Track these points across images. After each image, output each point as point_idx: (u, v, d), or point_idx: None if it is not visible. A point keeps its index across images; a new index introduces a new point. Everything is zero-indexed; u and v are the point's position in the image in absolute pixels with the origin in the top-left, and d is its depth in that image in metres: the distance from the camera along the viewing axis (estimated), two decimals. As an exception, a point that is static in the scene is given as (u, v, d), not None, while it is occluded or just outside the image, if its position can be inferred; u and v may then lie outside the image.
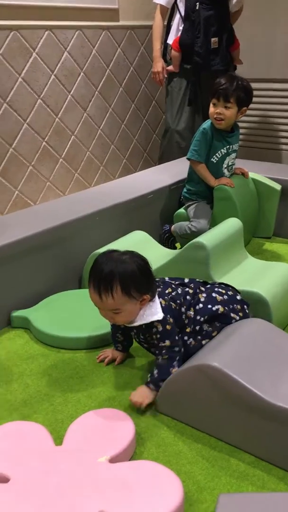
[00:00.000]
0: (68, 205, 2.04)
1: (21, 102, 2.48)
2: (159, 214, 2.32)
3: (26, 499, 1.03)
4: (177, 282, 1.47)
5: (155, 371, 1.33)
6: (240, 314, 1.44)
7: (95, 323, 1.61)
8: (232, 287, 1.51)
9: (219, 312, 1.40)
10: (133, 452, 1.20)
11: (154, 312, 1.32)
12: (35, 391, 1.42)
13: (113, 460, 1.13)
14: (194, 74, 2.65)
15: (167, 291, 1.40)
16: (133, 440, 1.19)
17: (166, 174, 2.45)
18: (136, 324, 1.33)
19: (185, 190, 2.22)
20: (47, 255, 1.83)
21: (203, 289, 1.47)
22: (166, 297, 1.37)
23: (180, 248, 2.02)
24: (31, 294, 1.80)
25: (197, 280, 1.51)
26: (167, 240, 2.25)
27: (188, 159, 2.13)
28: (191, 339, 1.39)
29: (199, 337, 1.39)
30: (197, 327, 1.39)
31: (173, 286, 1.44)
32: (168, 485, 1.06)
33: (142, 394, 1.32)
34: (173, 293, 1.40)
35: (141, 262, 1.31)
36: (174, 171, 2.48)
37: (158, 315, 1.32)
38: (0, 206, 2.53)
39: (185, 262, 1.74)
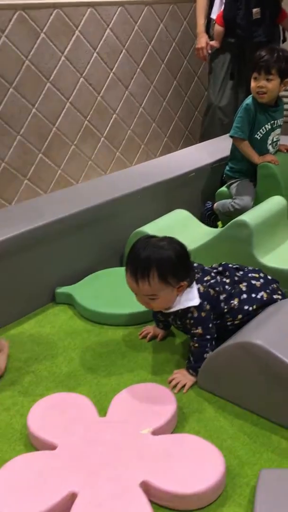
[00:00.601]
0: (110, 184, 2.06)
1: (63, 81, 2.49)
2: (200, 192, 2.30)
3: (72, 466, 1.07)
4: (215, 271, 1.46)
5: (191, 358, 1.36)
6: (279, 292, 1.45)
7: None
8: (259, 269, 1.53)
9: (264, 299, 1.41)
10: (175, 426, 1.22)
11: (191, 297, 1.32)
12: (79, 365, 1.46)
13: (155, 432, 1.15)
14: (237, 48, 2.59)
15: (205, 278, 1.40)
16: (175, 414, 1.21)
17: (208, 152, 2.42)
18: (172, 310, 1.33)
19: (227, 168, 2.19)
20: (90, 233, 1.85)
21: (240, 276, 1.46)
22: (204, 284, 1.37)
23: (222, 226, 2.01)
24: (75, 271, 1.84)
25: (230, 265, 1.50)
26: (208, 218, 2.24)
27: (231, 136, 2.10)
28: (233, 328, 1.39)
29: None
30: (246, 317, 1.39)
31: (212, 274, 1.43)
32: (210, 458, 1.08)
33: (185, 376, 1.35)
34: (212, 281, 1.40)
35: (179, 249, 1.30)
36: (216, 148, 2.45)
37: (195, 300, 1.32)
38: (43, 185, 2.58)
39: (227, 241, 1.73)
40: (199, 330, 1.33)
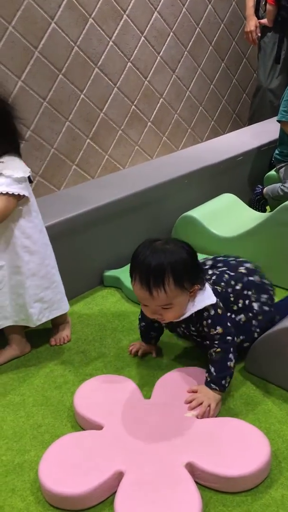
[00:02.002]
0: (157, 168, 2.06)
1: (111, 66, 2.50)
2: (248, 176, 2.27)
3: (119, 446, 1.10)
4: (206, 266, 1.39)
5: (212, 369, 1.21)
6: (265, 280, 1.40)
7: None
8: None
9: (256, 282, 1.36)
10: (219, 409, 1.22)
11: (206, 296, 1.22)
12: (127, 346, 1.48)
13: (200, 416, 1.16)
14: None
15: (207, 276, 1.33)
16: (220, 398, 1.22)
17: (257, 135, 2.38)
18: (186, 316, 1.21)
19: (277, 152, 2.14)
20: (137, 217, 1.87)
21: (234, 262, 1.40)
22: (209, 282, 1.30)
23: (271, 211, 1.98)
24: (122, 255, 1.86)
25: (217, 257, 1.44)
26: (257, 203, 2.20)
27: (278, 121, 2.05)
28: (241, 316, 1.31)
29: (250, 314, 1.32)
30: (247, 301, 1.32)
31: (207, 269, 1.37)
32: (255, 441, 1.08)
33: (207, 395, 1.18)
34: (213, 277, 1.33)
35: (188, 249, 1.20)
36: (265, 131, 2.40)
37: (211, 298, 1.22)
38: (91, 170, 2.61)
39: (276, 225, 1.70)
40: (220, 329, 1.21)
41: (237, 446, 1.07)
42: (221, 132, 3.16)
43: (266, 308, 1.34)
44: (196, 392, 1.20)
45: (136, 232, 1.88)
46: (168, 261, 1.14)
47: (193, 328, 1.26)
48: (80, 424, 1.22)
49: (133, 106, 2.67)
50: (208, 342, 1.23)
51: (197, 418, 1.15)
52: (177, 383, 1.27)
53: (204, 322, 1.21)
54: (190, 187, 2.00)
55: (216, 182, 2.08)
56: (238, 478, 1.02)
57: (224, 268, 1.37)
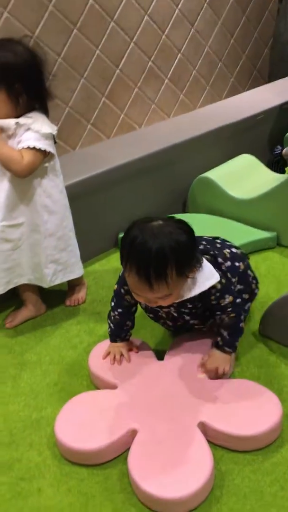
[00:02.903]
0: (174, 128, 2.02)
1: (127, 20, 2.40)
2: (268, 136, 2.20)
3: (132, 405, 1.12)
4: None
5: (225, 332, 1.18)
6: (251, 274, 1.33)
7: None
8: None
9: (240, 270, 1.27)
10: (232, 372, 1.23)
11: (208, 275, 1.11)
12: (141, 309, 1.49)
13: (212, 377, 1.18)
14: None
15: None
16: (233, 360, 1.23)
17: (278, 93, 2.30)
18: (190, 296, 1.11)
19: (298, 110, 2.08)
20: (152, 178, 1.85)
21: (220, 243, 1.30)
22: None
23: (290, 172, 1.93)
24: (137, 217, 1.84)
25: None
26: (277, 164, 2.15)
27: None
28: (239, 263, 1.26)
29: (246, 262, 1.30)
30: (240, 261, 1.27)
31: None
32: (267, 402, 1.10)
33: (221, 360, 1.17)
34: (200, 247, 1.21)
35: (188, 229, 1.07)
36: (286, 89, 2.31)
37: (215, 276, 1.11)
38: (107, 130, 2.56)
39: (295, 187, 1.66)
40: (230, 298, 1.14)
41: (249, 407, 1.09)
42: (240, 89, 3.05)
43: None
44: (210, 358, 1.19)
45: (152, 193, 1.86)
46: (169, 246, 1.00)
47: (190, 306, 1.17)
48: (94, 383, 1.24)
49: (150, 62, 2.59)
50: (219, 313, 1.17)
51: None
52: (190, 346, 1.28)
53: (212, 297, 1.14)
54: (208, 148, 1.96)
55: (235, 142, 2.03)
56: (249, 438, 1.04)
57: (207, 241, 1.28)
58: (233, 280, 1.24)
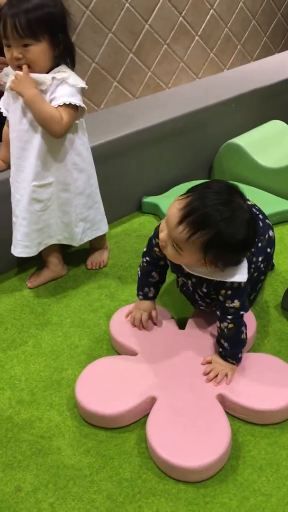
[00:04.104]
0: (202, 90, 1.95)
1: (159, -29, 2.30)
2: (300, 102, 2.12)
3: (152, 373, 1.13)
4: None
5: (225, 344, 1.12)
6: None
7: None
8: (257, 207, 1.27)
9: (270, 254, 1.22)
10: (253, 345, 1.23)
11: (238, 271, 1.05)
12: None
13: (217, 383, 1.15)
14: None
15: None
16: (254, 333, 1.23)
17: (314, 56, 2.19)
18: (208, 277, 1.07)
19: None
20: (178, 142, 1.80)
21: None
22: None
23: None
24: (161, 181, 1.82)
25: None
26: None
27: None
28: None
29: (257, 287, 1.26)
30: (255, 274, 1.20)
31: None
32: (286, 377, 1.10)
33: (223, 366, 1.11)
34: None
35: (252, 231, 1.01)
36: None
37: (243, 276, 1.05)
38: (133, 88, 2.48)
39: None
40: (237, 304, 1.08)
41: (269, 381, 1.09)
42: (273, 50, 2.93)
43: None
44: (210, 363, 1.13)
45: (178, 158, 1.82)
46: (219, 231, 0.96)
47: (205, 290, 1.13)
48: (115, 348, 1.25)
49: (181, 18, 2.48)
50: (218, 312, 1.12)
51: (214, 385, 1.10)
52: (211, 317, 1.27)
53: (223, 291, 1.08)
54: (237, 112, 1.89)
55: (266, 107, 1.96)
56: (267, 412, 1.04)
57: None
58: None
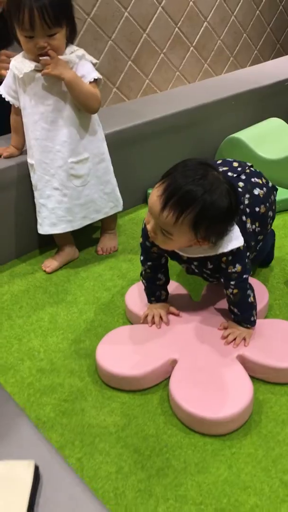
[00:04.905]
0: (203, 89, 2.03)
1: (156, -16, 2.41)
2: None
3: (171, 337, 1.15)
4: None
5: (235, 310, 1.14)
6: (273, 207, 1.25)
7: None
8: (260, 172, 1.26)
9: (260, 213, 1.18)
10: (266, 313, 1.27)
11: (232, 236, 1.06)
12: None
13: (235, 346, 1.15)
14: None
15: None
16: (266, 303, 1.26)
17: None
18: (209, 254, 1.08)
19: None
20: (181, 137, 1.86)
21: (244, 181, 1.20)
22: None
23: None
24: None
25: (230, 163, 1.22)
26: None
27: None
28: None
29: (257, 246, 1.23)
30: (252, 236, 1.17)
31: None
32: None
33: (240, 330, 1.14)
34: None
35: (234, 200, 1.01)
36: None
37: (239, 240, 1.06)
38: (131, 95, 2.57)
39: None
40: (238, 268, 1.08)
41: (285, 342, 1.12)
42: (263, 61, 3.06)
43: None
44: (227, 328, 1.16)
45: (181, 151, 1.88)
46: (204, 201, 0.96)
47: (210, 267, 1.13)
48: (132, 322, 1.27)
49: (177, 28, 2.59)
50: (222, 279, 1.12)
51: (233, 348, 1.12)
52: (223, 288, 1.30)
53: (224, 258, 1.08)
54: (237, 110, 1.97)
55: (263, 106, 2.04)
56: (286, 370, 1.07)
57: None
58: (253, 227, 1.18)
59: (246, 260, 1.10)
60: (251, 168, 1.25)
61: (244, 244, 1.08)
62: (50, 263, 1.49)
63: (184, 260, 1.15)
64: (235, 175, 1.20)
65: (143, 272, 1.21)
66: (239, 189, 1.15)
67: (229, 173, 1.20)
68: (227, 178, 1.03)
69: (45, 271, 1.49)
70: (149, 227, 1.04)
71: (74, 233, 1.53)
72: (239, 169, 1.22)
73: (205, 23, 2.69)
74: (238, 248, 1.07)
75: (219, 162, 1.27)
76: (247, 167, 1.24)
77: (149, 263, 1.19)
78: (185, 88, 2.11)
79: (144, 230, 1.15)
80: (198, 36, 2.69)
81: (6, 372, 1.15)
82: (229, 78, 2.18)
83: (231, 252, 1.07)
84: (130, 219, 1.75)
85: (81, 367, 1.15)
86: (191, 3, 2.58)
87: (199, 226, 0.99)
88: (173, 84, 2.70)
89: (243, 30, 2.89)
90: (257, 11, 2.91)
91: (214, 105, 1.91)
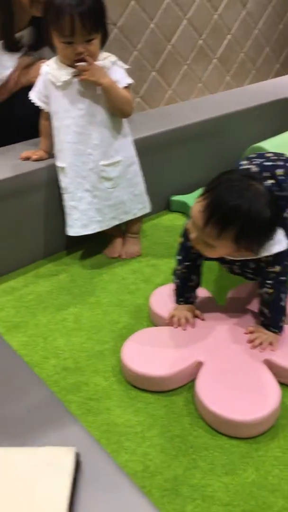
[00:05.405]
0: (228, 99, 2.05)
1: (183, -4, 2.45)
2: None
3: (198, 340, 1.15)
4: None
5: (266, 311, 1.14)
6: None
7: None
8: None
9: None
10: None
11: (276, 240, 1.06)
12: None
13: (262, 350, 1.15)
14: None
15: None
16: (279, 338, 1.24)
17: None
18: (252, 257, 1.09)
19: None
20: (205, 145, 1.88)
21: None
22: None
23: None
24: (189, 181, 1.88)
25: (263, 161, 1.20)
26: None
27: None
28: None
29: None
30: None
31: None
32: None
33: (267, 334, 1.13)
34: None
35: (275, 210, 1.02)
36: None
37: (282, 244, 1.07)
38: (154, 104, 2.59)
39: None
40: (277, 268, 1.09)
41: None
42: (285, 75, 3.08)
43: None
44: (253, 332, 1.15)
45: (205, 159, 1.89)
46: (248, 215, 0.98)
47: (252, 266, 1.14)
48: (156, 324, 1.27)
49: (201, 41, 2.62)
50: (259, 277, 1.14)
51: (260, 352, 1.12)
52: (250, 294, 1.30)
53: (265, 257, 1.10)
54: (261, 120, 1.99)
55: (286, 117, 2.05)
56: (313, 375, 1.06)
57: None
58: None
59: (286, 262, 1.10)
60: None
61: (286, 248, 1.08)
62: (112, 251, 1.57)
63: (226, 261, 1.16)
64: (271, 163, 1.21)
65: (178, 272, 1.22)
66: (280, 177, 1.16)
67: (266, 163, 1.21)
68: (267, 189, 1.04)
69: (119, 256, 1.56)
70: (192, 236, 1.07)
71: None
72: (274, 157, 1.25)
73: (229, 36, 2.73)
74: (280, 250, 1.08)
75: (252, 155, 1.28)
76: (282, 156, 1.26)
77: (186, 263, 1.21)
78: (210, 98, 2.13)
79: (185, 232, 1.16)
80: (221, 48, 2.72)
81: (32, 369, 1.15)
82: (254, 89, 2.20)
83: (274, 254, 1.08)
84: (152, 225, 1.76)
85: (105, 367, 1.15)
86: (215, 16, 2.62)
87: (241, 239, 1.01)
88: (195, 96, 2.73)
89: (265, 44, 2.92)
90: (281, 25, 2.94)
91: (239, 115, 1.92)
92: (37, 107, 1.42)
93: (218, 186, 1.02)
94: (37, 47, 1.60)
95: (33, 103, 1.42)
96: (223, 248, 1.05)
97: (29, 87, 1.60)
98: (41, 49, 1.63)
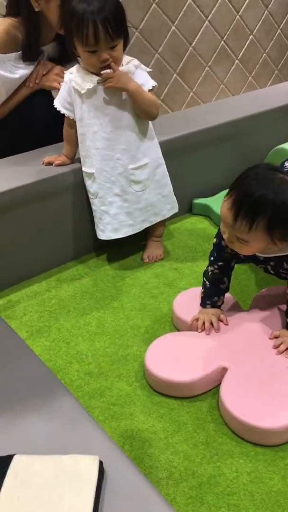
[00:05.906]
0: (250, 100, 2.03)
1: (204, -3, 2.44)
2: None
3: (221, 345, 1.14)
4: None
5: None
6: None
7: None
8: None
9: None
10: None
11: None
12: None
13: None
14: None
15: None
16: None
17: None
18: (284, 253, 1.08)
19: None
20: (227, 147, 1.86)
21: None
22: None
23: None
24: (211, 184, 1.87)
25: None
26: None
27: None
28: None
29: None
30: None
31: None
32: None
33: None
34: None
35: None
36: None
37: None
38: (175, 107, 2.59)
39: None
40: None
41: None
42: (308, 75, 3.04)
43: None
44: (278, 337, 1.14)
45: (227, 162, 1.88)
46: (274, 202, 0.97)
47: (287, 266, 1.12)
48: (179, 329, 1.26)
49: (222, 42, 2.61)
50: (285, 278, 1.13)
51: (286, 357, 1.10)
52: (273, 298, 1.28)
53: None
54: (284, 121, 1.96)
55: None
56: None
57: None
58: None
59: None
60: None
61: None
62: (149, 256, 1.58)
63: (261, 260, 1.15)
64: None
65: (210, 273, 1.22)
66: None
67: None
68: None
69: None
70: (225, 236, 1.06)
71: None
72: None
73: (251, 36, 2.70)
74: None
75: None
76: None
77: (219, 263, 1.20)
78: (232, 99, 2.11)
79: (219, 232, 1.16)
80: (243, 49, 2.70)
81: (55, 374, 1.16)
82: (277, 90, 2.17)
83: None
84: (175, 229, 1.76)
85: (128, 372, 1.15)
86: (237, 16, 2.60)
87: (274, 229, 1.00)
88: (217, 97, 2.71)
89: (288, 43, 2.88)
90: (303, 25, 2.90)
91: (262, 116, 1.90)
92: (55, 113, 1.42)
93: (243, 180, 1.02)
94: (61, 62, 1.61)
95: (49, 109, 1.43)
96: (257, 242, 1.03)
97: (45, 93, 1.61)
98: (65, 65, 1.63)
